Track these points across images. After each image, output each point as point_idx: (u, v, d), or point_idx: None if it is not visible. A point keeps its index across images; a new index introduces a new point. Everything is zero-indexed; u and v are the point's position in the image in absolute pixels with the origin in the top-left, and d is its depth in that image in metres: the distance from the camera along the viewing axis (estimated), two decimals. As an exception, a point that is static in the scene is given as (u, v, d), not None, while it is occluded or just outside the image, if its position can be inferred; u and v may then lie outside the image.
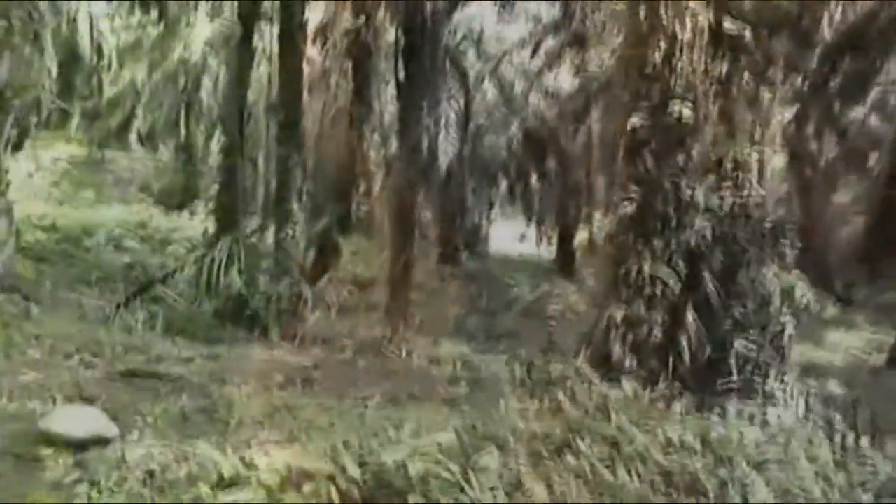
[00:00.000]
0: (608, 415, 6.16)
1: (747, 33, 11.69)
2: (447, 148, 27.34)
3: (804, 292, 14.23)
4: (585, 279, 29.64)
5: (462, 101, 28.83)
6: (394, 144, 27.35)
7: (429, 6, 18.93)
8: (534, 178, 35.50)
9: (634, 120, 11.30)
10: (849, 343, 24.76)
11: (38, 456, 5.70)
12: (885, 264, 28.17)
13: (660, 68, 11.37)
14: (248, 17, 21.89)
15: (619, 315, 11.21)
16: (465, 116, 29.48)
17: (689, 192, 11.41)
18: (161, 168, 36.42)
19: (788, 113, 14.15)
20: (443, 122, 25.75)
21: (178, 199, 32.42)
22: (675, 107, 11.17)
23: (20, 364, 7.48)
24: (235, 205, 21.81)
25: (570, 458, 5.09)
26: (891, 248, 27.04)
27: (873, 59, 25.63)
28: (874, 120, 30.27)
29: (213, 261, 14.86)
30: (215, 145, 31.86)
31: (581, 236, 34.87)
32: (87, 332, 10.11)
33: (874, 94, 28.65)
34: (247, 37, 21.98)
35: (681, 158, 11.42)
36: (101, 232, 26.11)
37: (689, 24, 11.36)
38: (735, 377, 11.26)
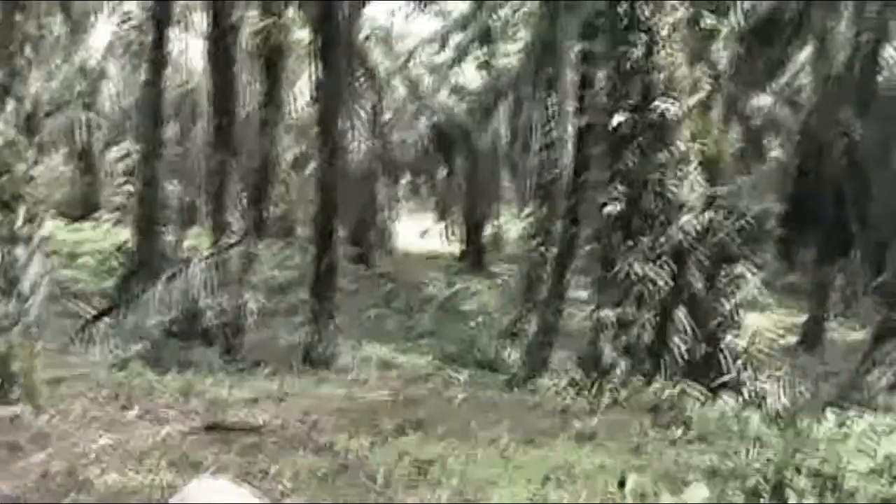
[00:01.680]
0: (763, 441, 5.84)
1: (724, 27, 11.63)
2: (359, 146, 26.85)
3: (755, 284, 14.24)
4: (498, 276, 29.46)
5: (372, 99, 28.34)
6: (306, 145, 26.75)
7: (343, 4, 18.41)
8: (442, 174, 35.12)
9: (618, 118, 11.05)
10: (762, 325, 25.22)
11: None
12: (794, 249, 28.87)
13: (640, 64, 11.18)
14: (161, 20, 21.06)
15: (610, 316, 10.99)
16: (374, 114, 29.00)
17: (673, 188, 11.26)
18: (58, 178, 34.76)
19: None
20: (354, 120, 25.28)
21: (80, 209, 31.10)
22: (660, 103, 10.99)
23: (80, 421, 6.54)
24: (155, 215, 20.94)
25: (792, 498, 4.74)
26: (801, 234, 27.66)
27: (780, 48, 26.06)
28: (779, 108, 30.81)
29: (188, 278, 14.09)
30: (116, 153, 30.60)
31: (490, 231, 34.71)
32: (101, 370, 9.17)
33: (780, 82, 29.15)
34: (159, 41, 21.13)
35: (664, 155, 11.25)
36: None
37: (668, 19, 11.22)
38: (728, 374, 11.18)
